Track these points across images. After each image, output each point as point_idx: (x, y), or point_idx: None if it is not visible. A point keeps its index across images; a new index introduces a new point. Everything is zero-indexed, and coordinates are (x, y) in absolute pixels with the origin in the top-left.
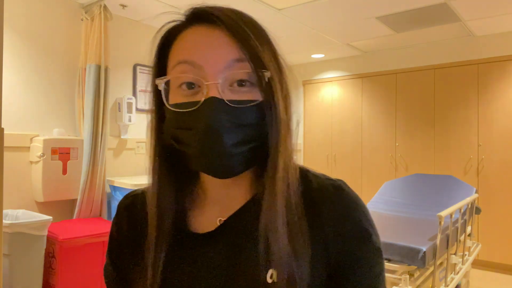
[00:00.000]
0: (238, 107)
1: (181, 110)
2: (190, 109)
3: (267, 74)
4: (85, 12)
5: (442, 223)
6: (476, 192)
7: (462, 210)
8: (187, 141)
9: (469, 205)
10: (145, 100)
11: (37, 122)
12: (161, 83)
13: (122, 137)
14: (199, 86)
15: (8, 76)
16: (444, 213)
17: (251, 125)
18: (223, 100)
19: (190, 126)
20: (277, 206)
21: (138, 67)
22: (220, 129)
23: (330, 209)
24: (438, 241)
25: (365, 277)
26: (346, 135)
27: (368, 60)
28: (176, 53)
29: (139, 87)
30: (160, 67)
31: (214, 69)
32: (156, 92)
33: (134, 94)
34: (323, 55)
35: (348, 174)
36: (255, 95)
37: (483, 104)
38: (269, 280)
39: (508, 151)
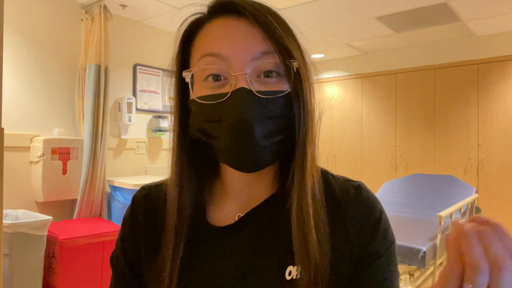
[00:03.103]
0: (268, 98)
1: (209, 102)
2: (218, 101)
3: (295, 64)
4: (85, 12)
5: (442, 223)
6: (476, 192)
7: (462, 210)
8: (216, 133)
9: (469, 205)
10: (145, 100)
11: (37, 122)
12: (188, 76)
13: (122, 137)
14: (226, 78)
15: (8, 76)
16: (444, 213)
17: (279, 116)
18: (252, 91)
19: (219, 119)
20: (308, 198)
21: (138, 67)
22: (252, 120)
23: (352, 209)
24: (438, 241)
25: (384, 271)
26: (346, 135)
27: (368, 60)
28: (201, 46)
29: (139, 87)
30: (183, 60)
31: (241, 61)
32: (180, 86)
33: (134, 94)
34: (323, 55)
35: (348, 174)
36: (283, 86)
37: (483, 104)
38: (288, 277)
39: (508, 151)
